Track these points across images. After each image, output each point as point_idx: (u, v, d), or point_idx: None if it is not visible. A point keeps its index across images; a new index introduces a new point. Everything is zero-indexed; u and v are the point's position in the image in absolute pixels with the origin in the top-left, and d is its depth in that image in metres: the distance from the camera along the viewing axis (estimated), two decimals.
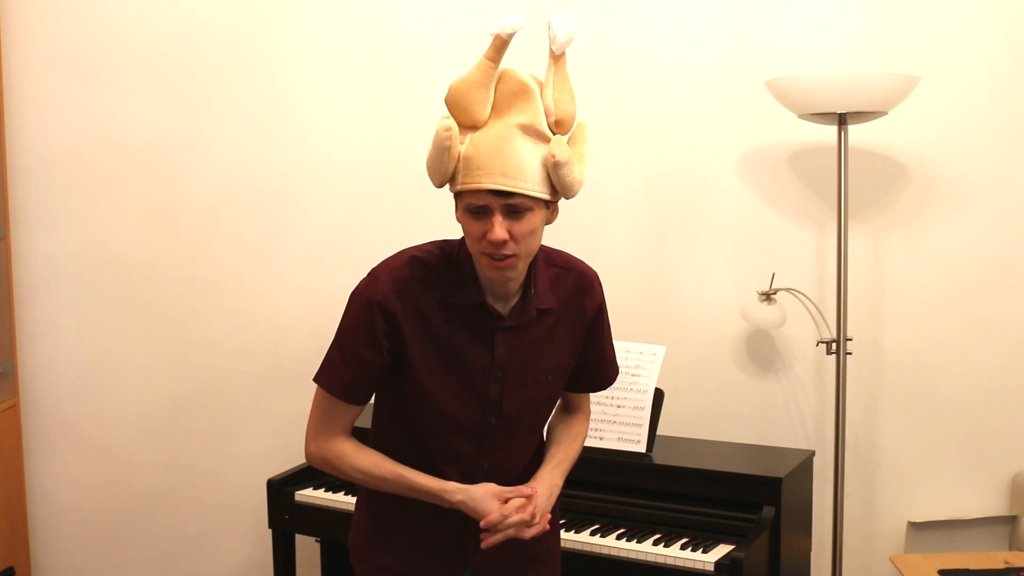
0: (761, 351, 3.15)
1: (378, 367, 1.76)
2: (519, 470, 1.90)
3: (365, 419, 1.90)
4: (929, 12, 2.93)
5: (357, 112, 3.35)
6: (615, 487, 2.68)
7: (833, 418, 2.88)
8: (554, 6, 3.24)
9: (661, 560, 2.44)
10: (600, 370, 1.98)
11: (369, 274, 1.78)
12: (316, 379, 1.80)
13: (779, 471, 2.56)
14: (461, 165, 1.65)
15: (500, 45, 1.70)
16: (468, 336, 1.76)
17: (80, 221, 3.44)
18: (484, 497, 1.75)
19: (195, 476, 3.50)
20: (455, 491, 1.76)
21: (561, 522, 2.64)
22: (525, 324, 1.78)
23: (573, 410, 2.02)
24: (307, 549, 3.23)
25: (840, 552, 2.87)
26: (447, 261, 1.77)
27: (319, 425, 1.81)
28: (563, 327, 1.84)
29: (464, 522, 1.81)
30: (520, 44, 3.35)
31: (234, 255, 3.43)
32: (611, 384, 2.02)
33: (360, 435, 1.87)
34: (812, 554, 2.94)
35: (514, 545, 1.85)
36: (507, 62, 1.79)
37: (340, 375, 1.77)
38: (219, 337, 3.45)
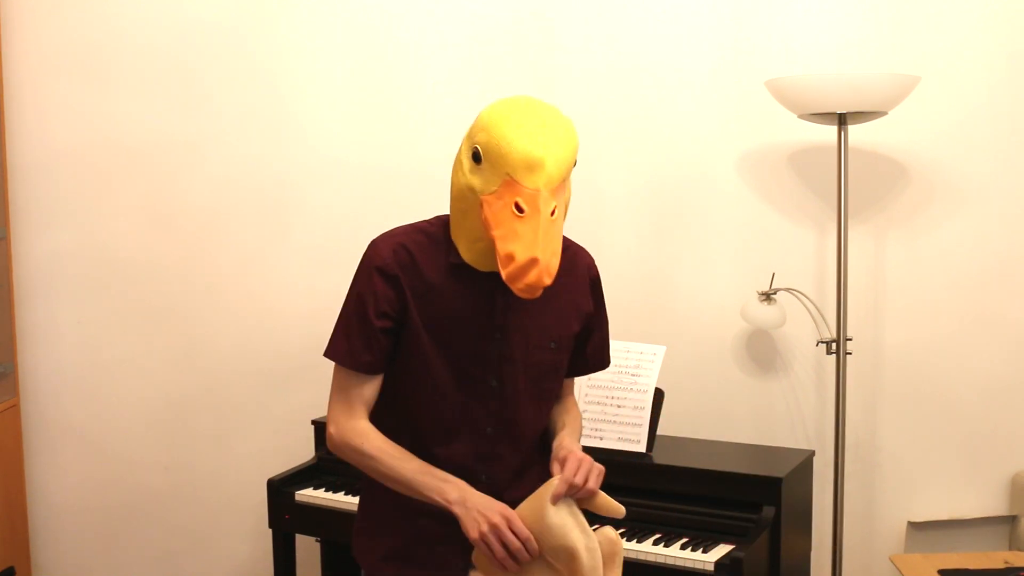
0: (761, 351, 3.15)
1: (386, 333, 1.77)
2: (523, 446, 1.89)
3: None
4: (929, 12, 2.93)
5: (357, 112, 3.36)
6: (615, 487, 2.66)
7: (833, 418, 2.88)
8: (552, 7, 3.26)
9: (661, 560, 2.44)
10: (603, 342, 1.99)
11: (369, 244, 1.81)
12: (326, 353, 1.80)
13: (779, 471, 2.56)
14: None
15: None
16: (468, 296, 1.77)
17: (80, 221, 3.44)
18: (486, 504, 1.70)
19: (195, 476, 3.50)
20: (452, 489, 1.72)
21: None
22: None
23: (562, 397, 2.02)
24: (307, 549, 3.23)
25: (840, 552, 2.87)
26: (445, 228, 1.81)
27: (338, 405, 1.80)
28: (564, 298, 1.86)
29: None
30: (515, 43, 3.36)
31: (234, 255, 3.43)
32: (606, 367, 2.03)
33: None
34: (812, 554, 2.94)
35: None
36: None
37: (349, 345, 1.77)
38: (219, 337, 3.45)
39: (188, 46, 3.35)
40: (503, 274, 1.58)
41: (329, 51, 3.34)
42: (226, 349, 3.45)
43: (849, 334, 2.85)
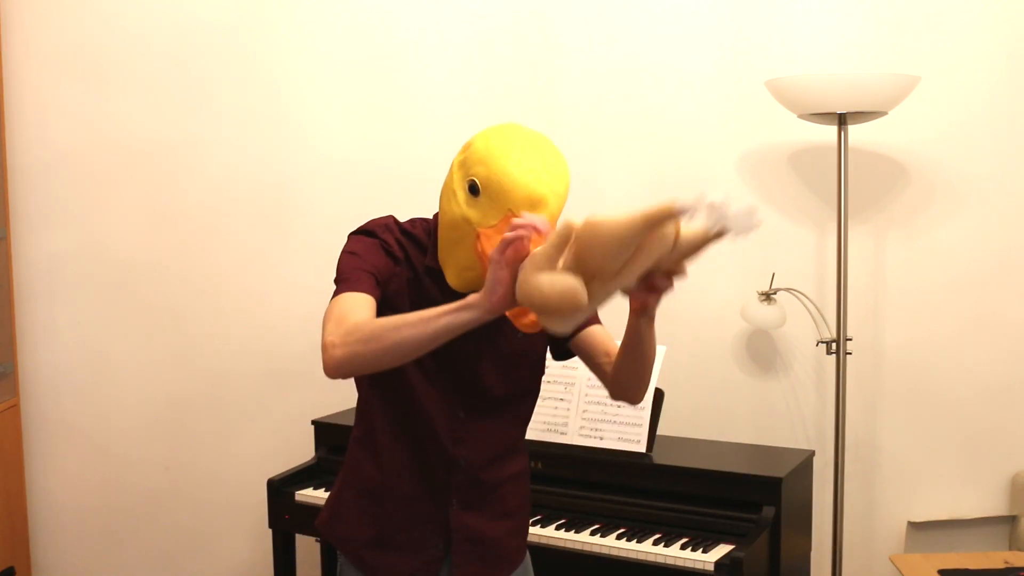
0: (761, 351, 3.15)
1: (387, 274, 1.77)
2: (500, 431, 1.90)
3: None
4: (929, 12, 2.93)
5: (357, 112, 3.36)
6: (615, 487, 2.68)
7: (833, 418, 2.88)
8: (552, 9, 3.26)
9: (661, 560, 2.44)
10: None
11: (361, 229, 1.81)
12: (335, 295, 1.72)
13: (779, 471, 2.56)
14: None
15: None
16: (443, 296, 1.76)
17: (80, 221, 3.44)
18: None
19: (195, 476, 3.50)
20: (470, 297, 1.55)
21: (561, 522, 2.65)
22: None
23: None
24: (307, 549, 3.23)
25: (840, 552, 2.87)
26: (425, 230, 1.83)
27: (333, 324, 1.64)
28: None
29: (445, 479, 1.84)
30: (515, 43, 3.36)
31: (234, 255, 3.43)
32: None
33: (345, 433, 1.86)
34: (812, 554, 2.94)
35: (489, 503, 1.89)
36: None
37: (357, 279, 1.72)
38: (219, 337, 3.45)
39: (188, 46, 3.35)
40: (507, 312, 1.54)
41: (329, 51, 3.34)
42: (226, 349, 3.45)
43: (849, 334, 2.85)
